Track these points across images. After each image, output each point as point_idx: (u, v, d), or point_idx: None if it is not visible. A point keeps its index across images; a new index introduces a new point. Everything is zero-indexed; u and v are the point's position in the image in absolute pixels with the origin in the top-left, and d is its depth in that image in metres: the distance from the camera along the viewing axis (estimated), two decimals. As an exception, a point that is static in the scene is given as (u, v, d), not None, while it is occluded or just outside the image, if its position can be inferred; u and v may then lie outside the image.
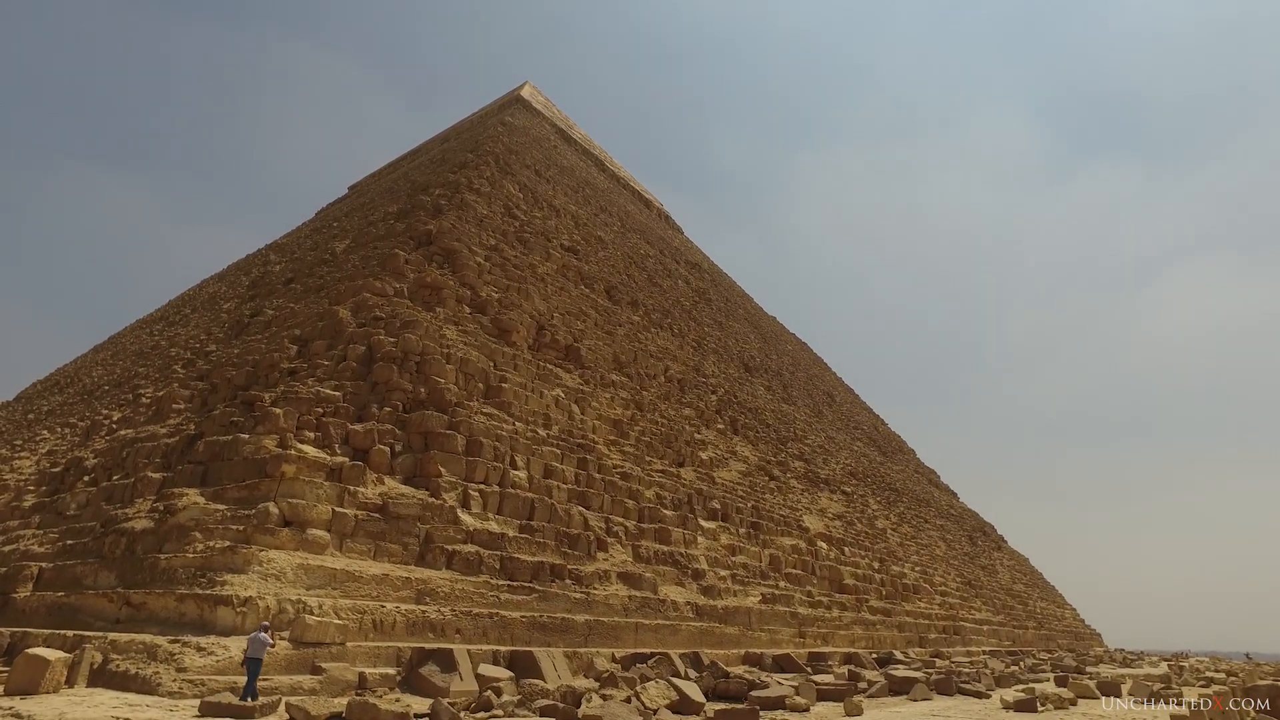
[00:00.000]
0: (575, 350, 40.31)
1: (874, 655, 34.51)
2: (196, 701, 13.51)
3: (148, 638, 16.15)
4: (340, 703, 13.02)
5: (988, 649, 48.29)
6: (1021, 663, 40.61)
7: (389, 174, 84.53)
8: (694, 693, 16.62)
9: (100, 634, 17.41)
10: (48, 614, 20.84)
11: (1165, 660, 60.72)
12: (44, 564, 23.65)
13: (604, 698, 15.59)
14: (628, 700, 15.66)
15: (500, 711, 14.16)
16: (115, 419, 40.61)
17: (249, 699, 13.88)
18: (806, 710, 17.22)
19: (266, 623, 15.94)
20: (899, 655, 34.80)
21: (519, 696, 15.41)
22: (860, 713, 17.22)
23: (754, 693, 18.07)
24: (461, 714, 13.45)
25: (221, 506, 20.68)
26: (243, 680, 14.97)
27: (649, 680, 16.75)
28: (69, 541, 24.55)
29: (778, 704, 17.37)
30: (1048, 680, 28.30)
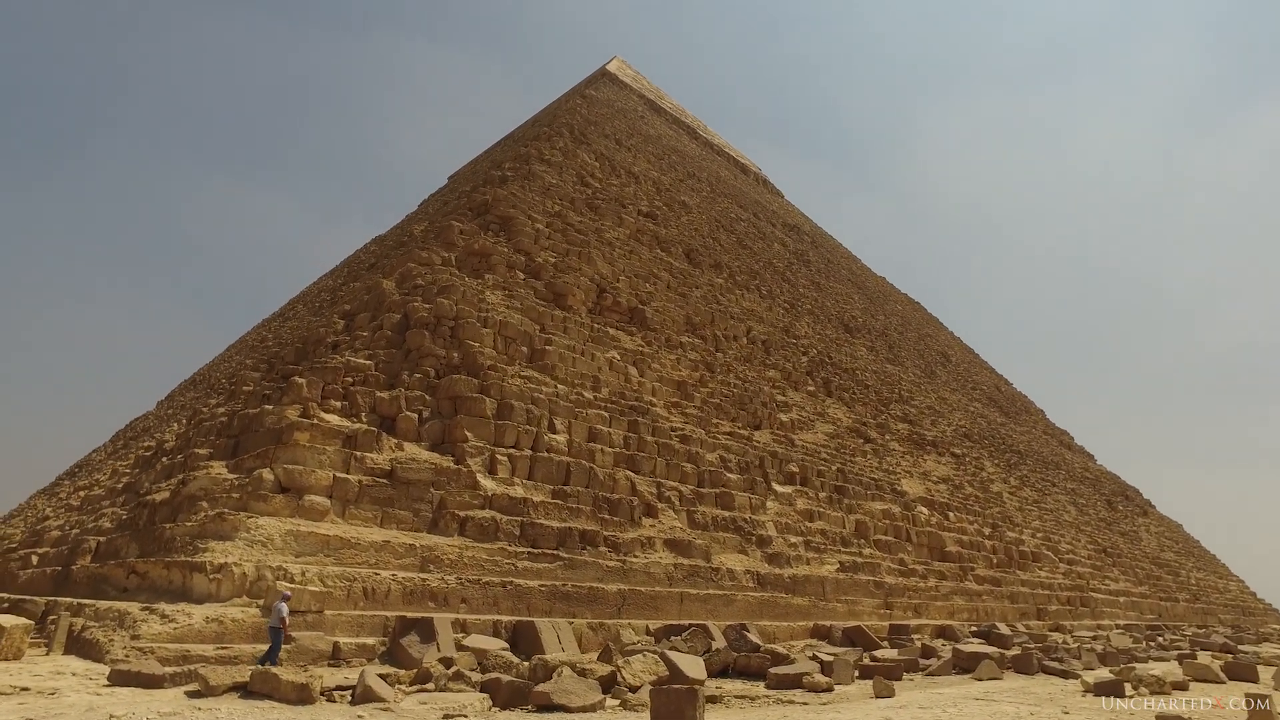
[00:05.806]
0: (640, 312, 38.56)
1: (973, 629, 31.04)
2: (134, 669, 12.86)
3: (124, 605, 15.90)
4: (248, 673, 12.01)
5: (1123, 622, 42.98)
6: (1158, 639, 35.63)
7: (483, 160, 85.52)
8: (692, 668, 14.61)
9: (104, 602, 17.40)
10: (88, 584, 21.32)
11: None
12: (101, 538, 24.48)
13: (581, 673, 13.87)
14: (610, 674, 13.89)
15: (433, 686, 12.78)
16: (212, 404, 42.59)
17: (268, 663, 13.61)
18: (827, 690, 14.83)
19: (288, 592, 15.32)
20: (1003, 628, 31.10)
21: (469, 669, 13.98)
22: (891, 694, 14.64)
23: (773, 669, 15.84)
24: (395, 686, 12.16)
25: (234, 476, 20.45)
26: (200, 648, 14.39)
27: (635, 653, 14.88)
28: (125, 516, 25.34)
29: (794, 683, 15.06)
30: (1172, 659, 24.15)
